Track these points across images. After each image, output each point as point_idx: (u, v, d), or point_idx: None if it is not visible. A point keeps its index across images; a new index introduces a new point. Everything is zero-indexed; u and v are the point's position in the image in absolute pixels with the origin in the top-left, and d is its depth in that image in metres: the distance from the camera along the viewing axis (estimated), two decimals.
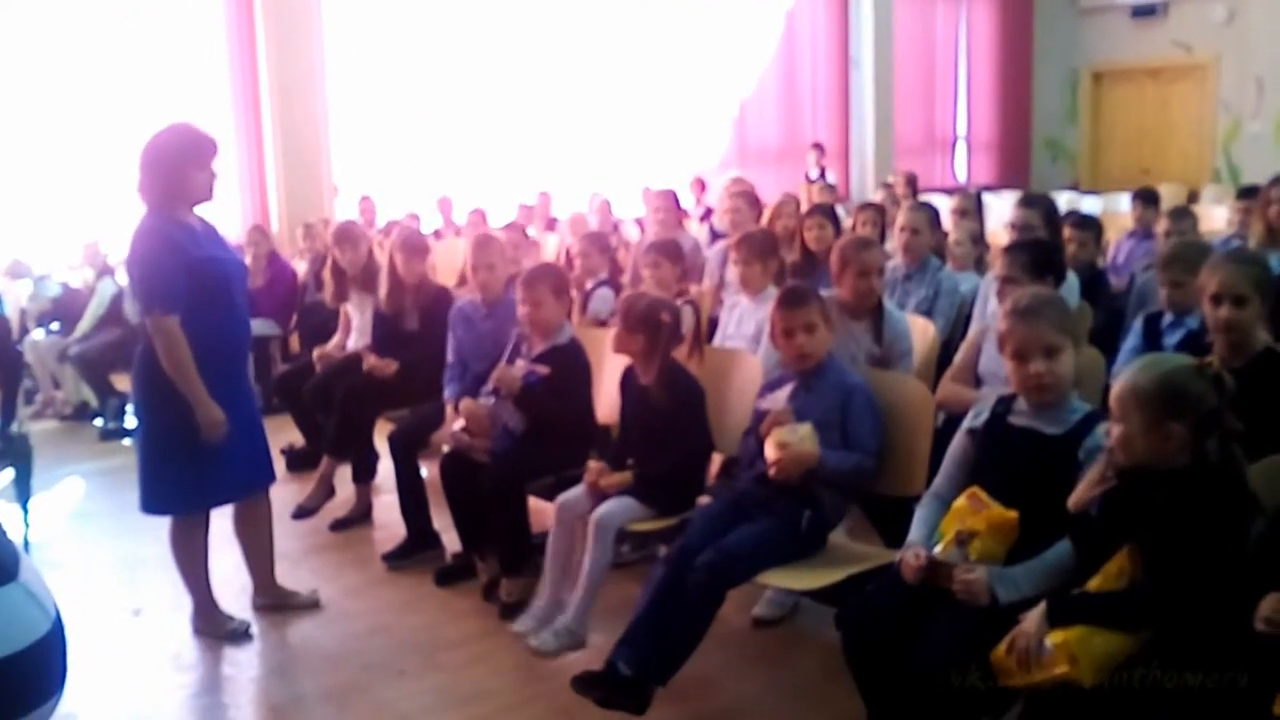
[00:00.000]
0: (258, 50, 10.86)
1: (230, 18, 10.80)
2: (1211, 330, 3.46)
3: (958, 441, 3.20)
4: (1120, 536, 2.69)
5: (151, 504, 4.16)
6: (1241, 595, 2.46)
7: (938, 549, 2.94)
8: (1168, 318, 4.31)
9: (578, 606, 4.02)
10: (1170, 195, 11.98)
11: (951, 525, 2.96)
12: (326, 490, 5.70)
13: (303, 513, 5.62)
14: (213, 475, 4.07)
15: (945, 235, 6.17)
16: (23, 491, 5.37)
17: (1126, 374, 2.68)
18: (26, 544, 2.82)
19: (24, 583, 2.06)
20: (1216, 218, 9.22)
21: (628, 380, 4.22)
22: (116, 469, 6.68)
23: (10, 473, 5.43)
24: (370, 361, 5.46)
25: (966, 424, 3.19)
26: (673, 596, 3.47)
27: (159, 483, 4.10)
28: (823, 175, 13.56)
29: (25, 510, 5.33)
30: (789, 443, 3.48)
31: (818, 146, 14.03)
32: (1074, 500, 2.75)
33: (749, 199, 6.91)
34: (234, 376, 4.12)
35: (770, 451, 3.50)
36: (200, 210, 4.13)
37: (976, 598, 2.79)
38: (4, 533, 2.09)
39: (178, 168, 3.94)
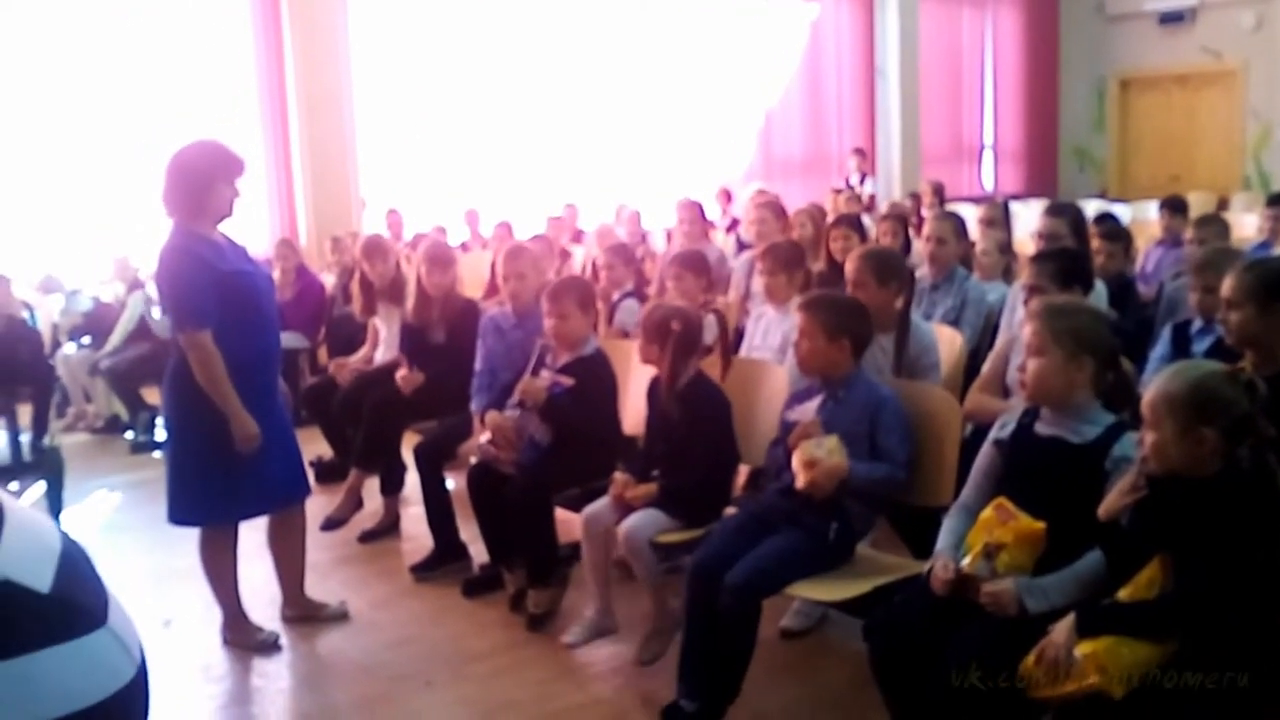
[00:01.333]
0: (285, 65, 10.95)
1: (258, 33, 10.91)
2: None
3: (985, 452, 3.19)
4: (1152, 545, 2.67)
5: (179, 515, 4.19)
6: (1273, 603, 2.44)
7: (965, 561, 2.93)
8: (1196, 324, 4.28)
9: (654, 616, 4.02)
10: (1200, 203, 11.89)
11: (979, 537, 2.94)
12: (355, 502, 5.72)
13: (331, 524, 5.65)
14: (242, 487, 4.10)
15: (972, 245, 6.14)
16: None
17: (1158, 381, 2.66)
18: None
19: (112, 626, 2.02)
20: (1247, 225, 9.15)
21: (654, 391, 4.22)
22: (147, 481, 6.72)
23: (42, 485, 5.48)
24: (401, 375, 5.47)
25: (993, 435, 3.18)
26: (707, 617, 3.48)
27: (187, 494, 4.14)
28: (863, 181, 13.53)
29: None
30: (818, 458, 3.45)
31: (859, 152, 14.02)
32: (1105, 509, 2.73)
33: (775, 209, 6.92)
34: (265, 389, 4.14)
35: (797, 466, 3.49)
36: (226, 225, 4.16)
37: (1005, 608, 2.77)
38: (96, 573, 2.05)
39: (206, 183, 3.97)
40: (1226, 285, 3.43)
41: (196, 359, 3.93)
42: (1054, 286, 4.12)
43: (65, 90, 10.03)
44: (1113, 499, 2.72)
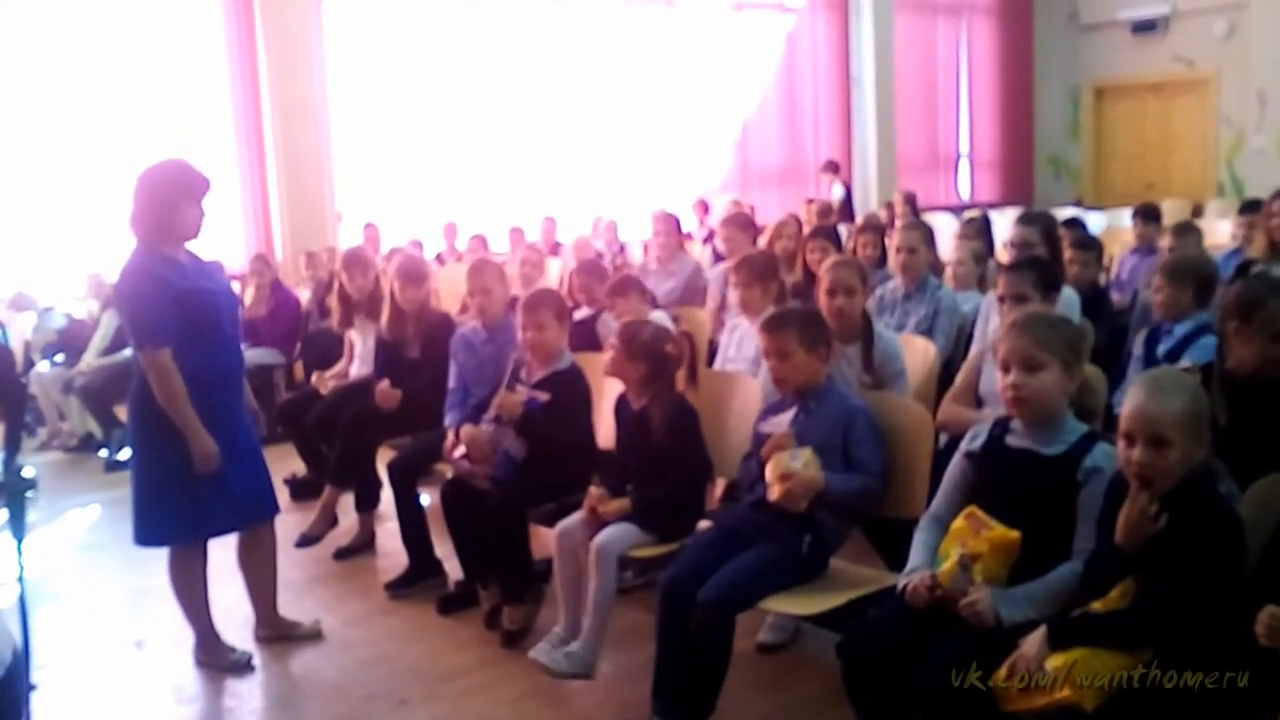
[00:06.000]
0: (260, 78, 10.92)
1: (232, 47, 10.88)
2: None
3: (956, 464, 3.17)
4: (1143, 561, 2.64)
5: (145, 536, 4.16)
6: (1242, 609, 2.43)
7: (942, 568, 2.92)
8: (1165, 326, 4.38)
9: (588, 635, 3.96)
10: (1174, 210, 11.97)
11: (952, 546, 2.93)
12: (329, 519, 5.68)
13: (306, 541, 5.61)
14: (208, 506, 4.06)
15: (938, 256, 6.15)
16: (18, 529, 5.32)
17: (1157, 399, 2.60)
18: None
19: None
20: (1221, 232, 9.21)
21: (621, 406, 4.21)
22: (121, 500, 6.57)
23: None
24: (381, 390, 5.40)
25: (964, 446, 3.16)
26: (680, 633, 3.46)
27: (152, 514, 4.10)
28: (831, 187, 13.57)
29: (20, 548, 5.29)
30: (794, 470, 3.45)
31: (832, 166, 14.03)
32: (1126, 538, 2.62)
33: (740, 224, 6.90)
34: (227, 407, 4.11)
35: (771, 478, 3.48)
36: (199, 241, 4.13)
37: (983, 618, 2.76)
38: None
39: (172, 204, 3.95)
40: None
41: (155, 377, 3.91)
42: (1037, 294, 4.19)
43: (38, 105, 9.97)
44: (1135, 527, 2.60)
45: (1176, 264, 4.56)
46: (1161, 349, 4.35)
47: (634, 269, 8.26)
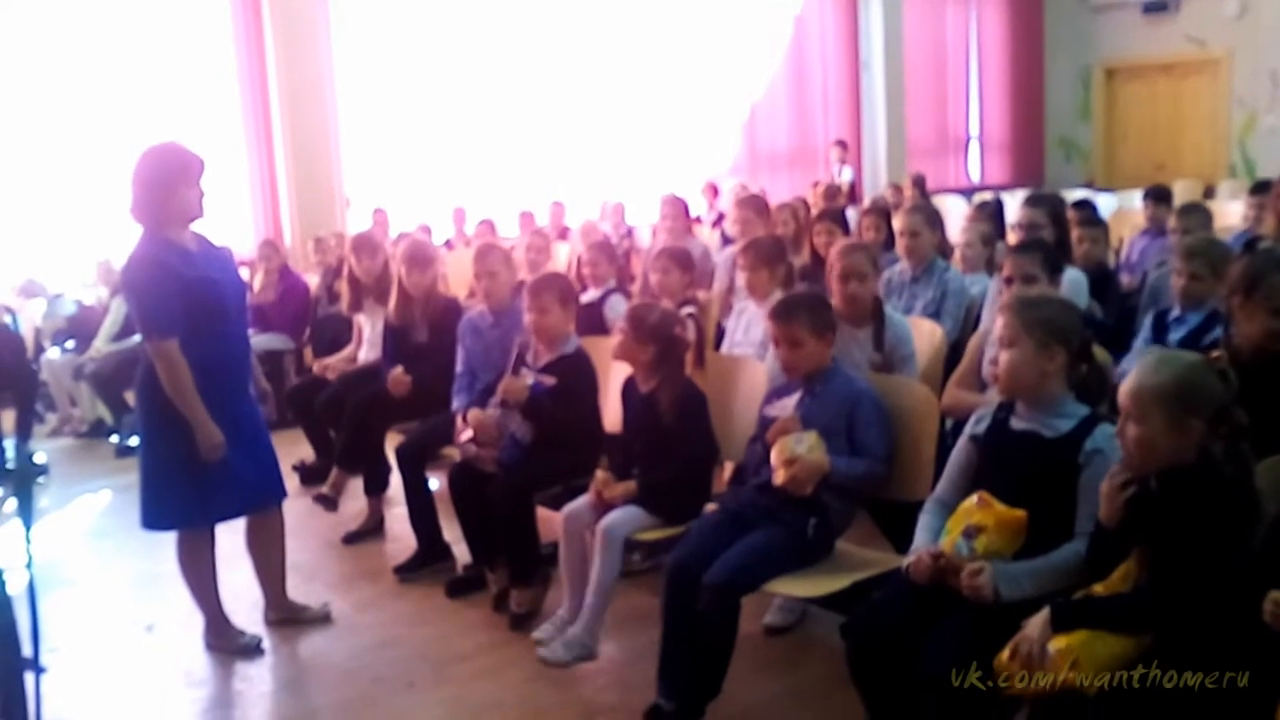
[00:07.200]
0: (267, 63, 10.90)
1: (239, 32, 10.86)
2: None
3: (960, 448, 3.17)
4: (1134, 540, 2.65)
5: (152, 519, 4.18)
6: (1246, 596, 2.43)
7: (943, 541, 2.92)
8: (1174, 312, 4.31)
9: (587, 617, 4.01)
10: (1185, 191, 11.91)
11: (959, 523, 2.93)
12: (339, 493, 5.68)
13: (323, 499, 5.59)
14: (214, 491, 4.07)
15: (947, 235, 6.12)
16: (25, 515, 5.35)
17: (1139, 373, 2.64)
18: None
19: None
20: (1233, 213, 9.16)
21: (629, 389, 4.22)
22: (132, 486, 6.54)
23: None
24: (393, 377, 5.39)
25: (968, 430, 3.16)
26: (685, 616, 3.47)
27: (159, 498, 4.12)
28: (841, 170, 13.55)
29: (28, 533, 5.33)
30: (799, 454, 3.45)
31: (840, 144, 14.01)
32: (1106, 514, 2.68)
33: (756, 207, 6.88)
34: (234, 395, 4.12)
35: (776, 462, 3.48)
36: (209, 226, 4.14)
37: (981, 591, 2.76)
38: None
39: (167, 187, 3.93)
40: None
41: (162, 367, 3.92)
42: (1045, 274, 4.19)
43: (44, 91, 9.96)
44: (1106, 498, 2.66)
45: (1216, 255, 4.28)
46: (1173, 337, 4.28)
47: (643, 252, 8.27)
